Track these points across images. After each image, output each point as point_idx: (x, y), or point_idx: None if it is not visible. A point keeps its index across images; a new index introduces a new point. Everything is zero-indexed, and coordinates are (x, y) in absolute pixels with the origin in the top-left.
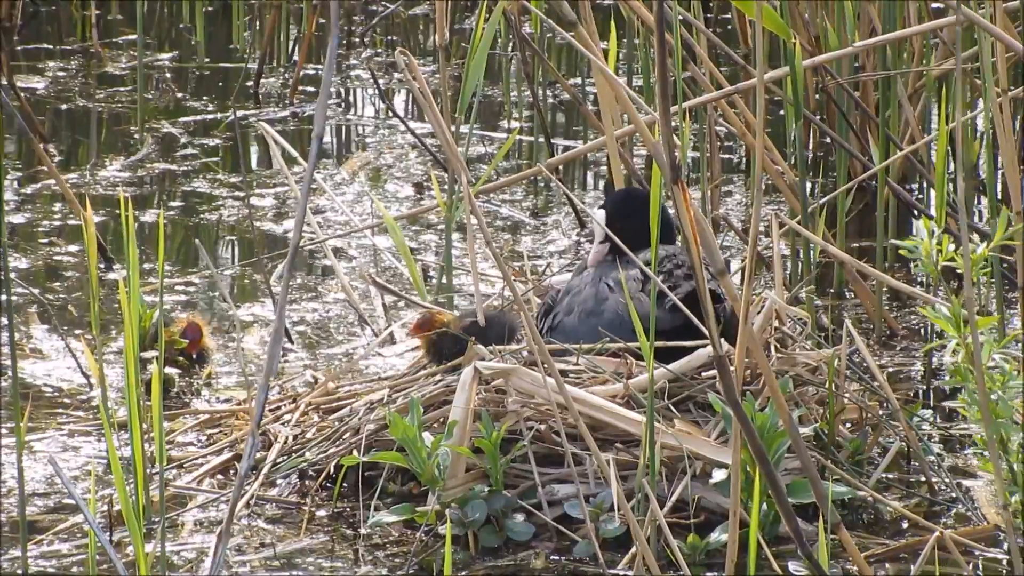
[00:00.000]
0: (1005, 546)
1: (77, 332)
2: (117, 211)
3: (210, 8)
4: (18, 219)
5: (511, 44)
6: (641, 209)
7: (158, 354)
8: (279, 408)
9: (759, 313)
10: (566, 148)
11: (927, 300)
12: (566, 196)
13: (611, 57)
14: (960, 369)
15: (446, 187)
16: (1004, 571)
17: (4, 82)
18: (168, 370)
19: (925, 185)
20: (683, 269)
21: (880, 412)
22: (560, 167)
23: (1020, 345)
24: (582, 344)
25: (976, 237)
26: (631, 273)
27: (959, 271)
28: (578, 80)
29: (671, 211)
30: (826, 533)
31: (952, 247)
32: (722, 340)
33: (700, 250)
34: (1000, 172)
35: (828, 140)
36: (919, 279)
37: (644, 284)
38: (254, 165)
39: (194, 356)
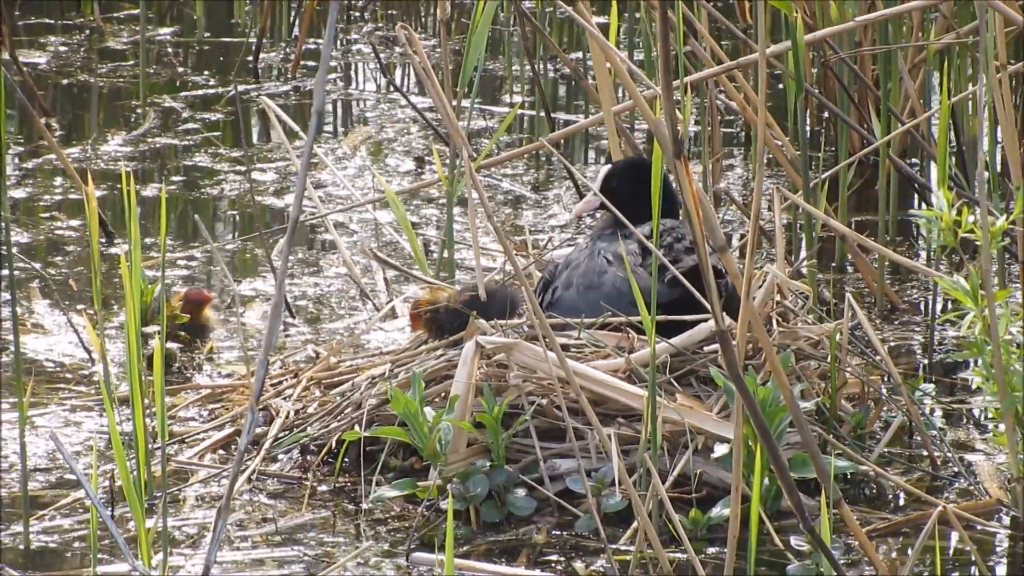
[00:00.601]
0: (1007, 520)
1: (79, 307)
2: (118, 185)
3: None
4: (19, 193)
5: (512, 18)
6: (646, 179)
7: (160, 329)
8: (281, 383)
9: (760, 287)
10: (567, 122)
11: (929, 274)
12: (567, 170)
13: (611, 31)
14: (978, 341)
15: (447, 161)
16: (1006, 545)
17: (6, 56)
18: (169, 345)
19: (925, 159)
20: (683, 243)
21: (882, 386)
22: (561, 141)
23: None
24: (583, 318)
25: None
26: (630, 247)
27: (975, 243)
28: (579, 54)
29: (674, 185)
30: (828, 508)
31: (971, 219)
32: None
33: (710, 218)
34: (1000, 146)
35: (826, 114)
36: (920, 253)
37: (644, 258)
38: (255, 139)
39: (202, 311)
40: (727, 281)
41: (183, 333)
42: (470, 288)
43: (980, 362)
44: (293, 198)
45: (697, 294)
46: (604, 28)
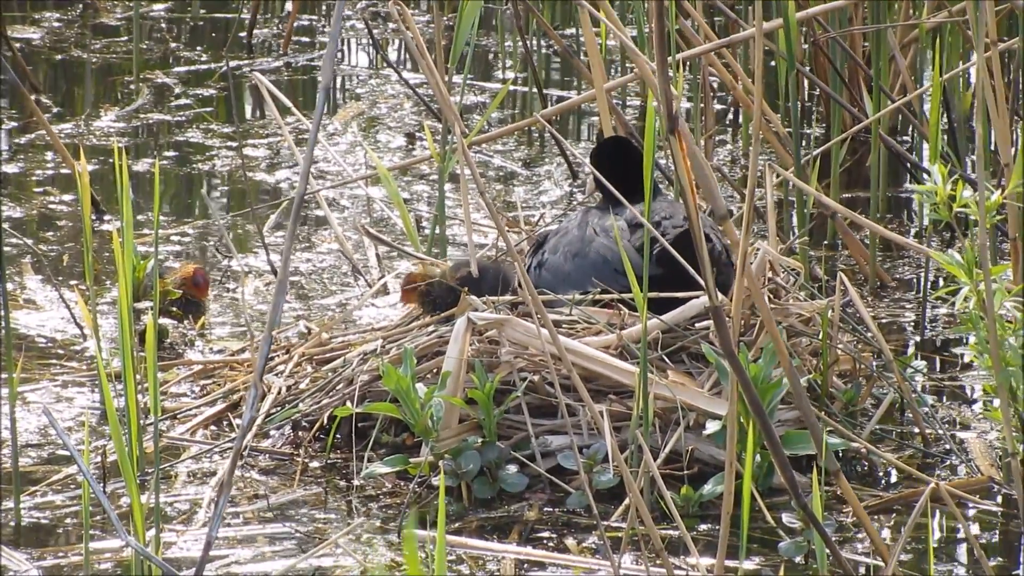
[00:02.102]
0: (999, 498)
1: (71, 282)
2: (111, 160)
3: None
4: (11, 168)
5: None
6: (621, 160)
7: (152, 304)
8: (272, 359)
9: (752, 263)
10: (560, 99)
11: (921, 251)
12: (559, 146)
13: (603, 7)
14: (972, 316)
15: (439, 137)
16: (998, 522)
17: None
18: (162, 320)
19: (916, 137)
20: (671, 220)
21: (873, 363)
22: (554, 117)
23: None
24: (574, 294)
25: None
26: (620, 223)
27: (967, 219)
28: (572, 30)
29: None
30: (820, 484)
31: (967, 193)
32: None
33: (697, 199)
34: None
35: (816, 91)
36: (912, 230)
37: (632, 234)
38: (248, 115)
39: (208, 296)
40: (716, 245)
41: (175, 309)
42: (463, 264)
43: (974, 337)
44: (285, 174)
45: (690, 268)
46: (595, 3)
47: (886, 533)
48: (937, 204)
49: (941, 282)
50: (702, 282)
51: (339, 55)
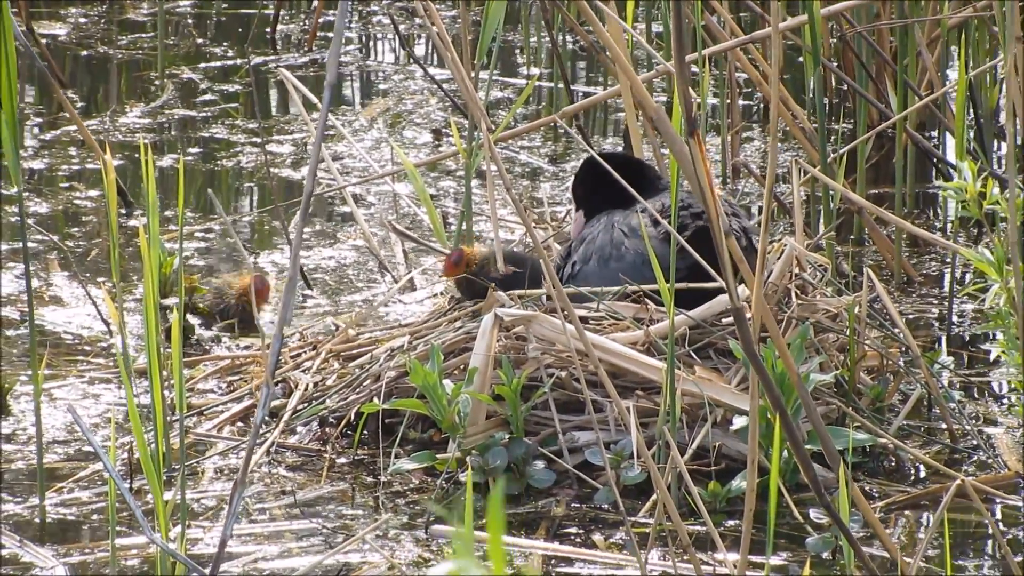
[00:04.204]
0: None
1: (98, 279)
2: (136, 156)
3: None
4: (37, 164)
5: None
6: (603, 176)
7: (178, 301)
8: (299, 355)
9: (779, 259)
10: (586, 94)
11: (949, 247)
12: (584, 143)
13: (628, 8)
14: (1002, 313)
15: (465, 133)
16: None
17: (23, 28)
18: (188, 317)
19: (943, 132)
20: (689, 210)
21: (901, 359)
22: (580, 113)
23: None
24: (603, 290)
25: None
26: (644, 220)
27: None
28: (600, 25)
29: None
30: (847, 484)
31: (996, 190)
32: (741, 287)
33: (718, 201)
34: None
35: (843, 87)
36: (937, 226)
37: (656, 227)
38: (274, 111)
39: (269, 302)
40: (739, 219)
41: (201, 305)
42: (506, 255)
43: (1002, 334)
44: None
45: (700, 260)
46: (622, 1)
47: (912, 529)
48: (967, 201)
49: (968, 277)
50: (723, 283)
51: (365, 51)
